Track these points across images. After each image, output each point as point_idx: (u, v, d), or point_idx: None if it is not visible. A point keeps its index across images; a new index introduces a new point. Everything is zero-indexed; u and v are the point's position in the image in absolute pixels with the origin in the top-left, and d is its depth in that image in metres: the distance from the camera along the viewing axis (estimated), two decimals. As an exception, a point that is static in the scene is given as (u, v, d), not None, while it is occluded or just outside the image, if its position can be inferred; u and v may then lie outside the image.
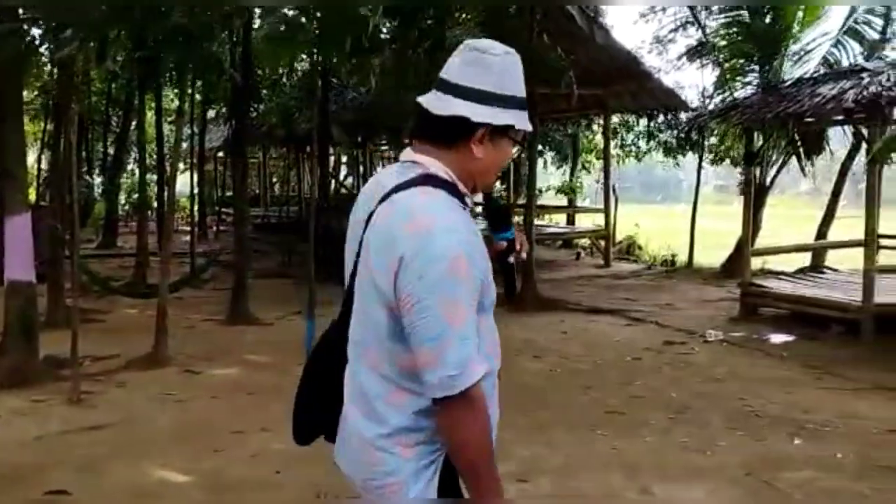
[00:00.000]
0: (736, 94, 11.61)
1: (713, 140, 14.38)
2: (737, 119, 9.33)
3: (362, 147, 17.28)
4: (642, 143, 15.91)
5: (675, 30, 13.57)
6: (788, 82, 9.97)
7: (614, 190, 16.13)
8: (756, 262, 12.66)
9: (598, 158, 16.49)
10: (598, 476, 4.64)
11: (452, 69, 1.76)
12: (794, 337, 8.56)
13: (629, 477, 4.59)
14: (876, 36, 12.01)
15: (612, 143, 16.19)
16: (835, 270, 11.19)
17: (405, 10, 8.11)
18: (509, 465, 4.75)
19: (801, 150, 10.79)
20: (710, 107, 12.44)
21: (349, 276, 1.85)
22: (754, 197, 10.87)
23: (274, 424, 5.47)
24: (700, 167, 14.67)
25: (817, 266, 11.73)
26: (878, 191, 8.74)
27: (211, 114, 19.59)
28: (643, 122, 15.35)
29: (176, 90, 14.90)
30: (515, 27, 9.70)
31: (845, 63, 11.43)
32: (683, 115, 13.50)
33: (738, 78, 11.65)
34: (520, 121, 1.78)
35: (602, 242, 15.29)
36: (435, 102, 1.75)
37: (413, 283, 1.62)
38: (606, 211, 15.15)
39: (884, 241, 10.78)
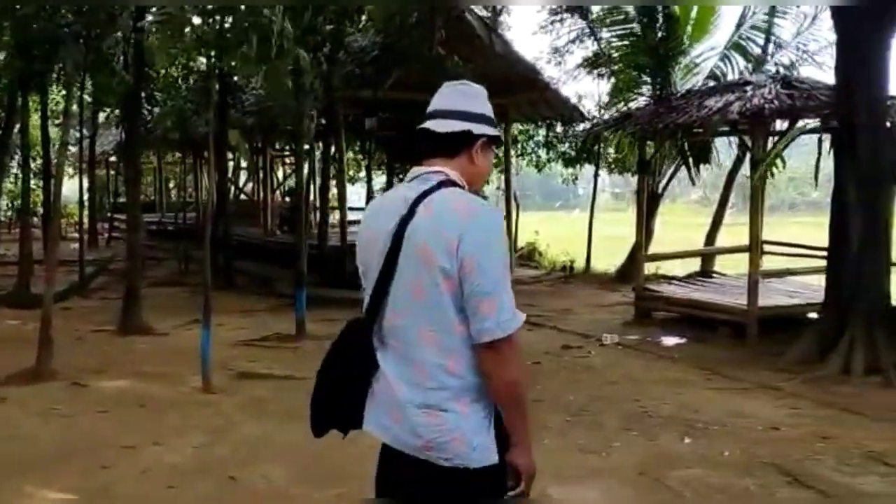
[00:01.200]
0: (630, 105, 11.99)
1: (610, 150, 14.79)
2: (630, 129, 9.64)
3: (262, 152, 16.98)
4: (542, 153, 16.21)
5: (573, 41, 13.91)
6: (678, 94, 10.37)
7: (515, 197, 16.38)
8: (649, 268, 13.10)
9: (498, 169, 16.69)
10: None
11: (446, 101, 2.26)
12: (685, 339, 8.89)
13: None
14: (759, 51, 12.62)
15: (513, 152, 16.44)
16: (723, 275, 11.68)
17: (304, 15, 8.03)
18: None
19: (690, 159, 11.22)
20: (606, 117, 12.80)
21: (376, 279, 2.18)
22: (647, 204, 11.26)
23: (167, 437, 5.30)
24: (597, 176, 15.06)
25: (707, 271, 12.20)
26: (761, 199, 9.18)
27: (102, 117, 18.86)
28: (543, 131, 15.64)
29: (62, 91, 14.28)
30: (416, 35, 9.74)
31: (731, 76, 11.99)
32: (581, 125, 13.84)
33: (632, 89, 12.02)
34: (500, 136, 2.39)
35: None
36: (440, 125, 2.21)
37: (472, 251, 2.03)
38: (508, 218, 15.34)
39: (768, 247, 11.34)
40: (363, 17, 11.10)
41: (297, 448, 5.09)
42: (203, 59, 11.19)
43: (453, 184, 2.19)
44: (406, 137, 16.10)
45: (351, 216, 15.58)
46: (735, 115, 8.24)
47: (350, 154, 20.78)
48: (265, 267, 13.76)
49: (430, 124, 2.24)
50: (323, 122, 12.02)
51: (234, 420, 5.78)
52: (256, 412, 5.97)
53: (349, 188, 23.45)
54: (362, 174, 20.45)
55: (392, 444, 2.18)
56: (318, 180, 13.79)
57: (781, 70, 11.42)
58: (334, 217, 14.03)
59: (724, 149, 12.29)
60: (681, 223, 21.75)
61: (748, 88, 8.53)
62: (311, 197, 14.45)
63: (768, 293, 9.25)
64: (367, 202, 13.20)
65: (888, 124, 7.79)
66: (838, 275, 7.63)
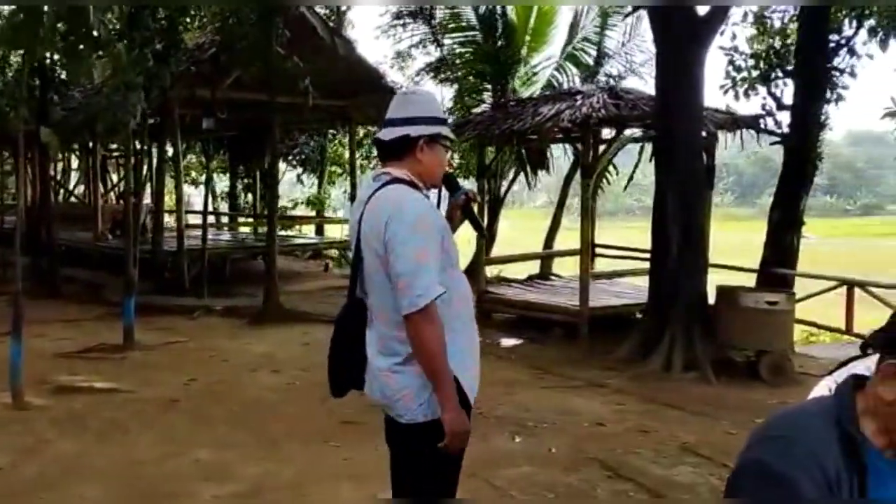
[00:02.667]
0: (473, 111, 12.20)
1: (454, 155, 15.00)
2: (468, 134, 9.81)
3: (92, 152, 16.02)
4: (386, 157, 16.18)
5: (415, 46, 14.01)
6: (515, 101, 10.66)
7: (361, 201, 16.29)
8: (493, 271, 13.39)
9: (342, 171, 16.57)
10: (328, 488, 4.61)
11: (391, 110, 2.63)
12: (521, 340, 9.12)
13: (360, 487, 4.60)
14: (591, 62, 13.20)
15: (359, 156, 16.34)
16: (559, 277, 12.09)
17: (131, 9, 7.64)
18: (235, 486, 4.60)
19: (528, 165, 11.55)
20: (448, 122, 12.95)
21: (353, 263, 2.67)
22: (489, 209, 11.50)
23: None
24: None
25: (545, 273, 12.58)
26: (593, 204, 9.57)
27: None
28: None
29: None
30: (255, 34, 9.49)
31: (566, 86, 12.46)
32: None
33: (473, 95, 12.25)
34: (444, 131, 2.65)
35: (350, 253, 15.36)
36: (385, 133, 2.61)
37: (391, 237, 2.42)
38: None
39: (600, 250, 11.86)
40: (198, 15, 10.69)
41: (117, 466, 4.82)
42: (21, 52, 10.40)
43: (400, 181, 2.56)
44: (246, 137, 15.72)
45: (193, 219, 14.99)
46: (566, 123, 8.56)
47: (192, 156, 20.01)
48: (95, 273, 12.98)
49: (380, 134, 2.66)
50: (157, 121, 11.50)
51: (46, 438, 5.38)
52: (73, 429, 5.59)
53: (194, 191, 22.62)
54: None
55: (376, 402, 2.65)
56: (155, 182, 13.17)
57: (610, 81, 11.99)
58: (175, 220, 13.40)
59: (562, 155, 12.77)
60: (527, 227, 22.40)
61: (578, 97, 8.88)
62: (148, 200, 13.77)
63: (600, 294, 9.65)
64: (205, 205, 12.70)
65: (704, 134, 8.31)
66: (660, 276, 8.06)
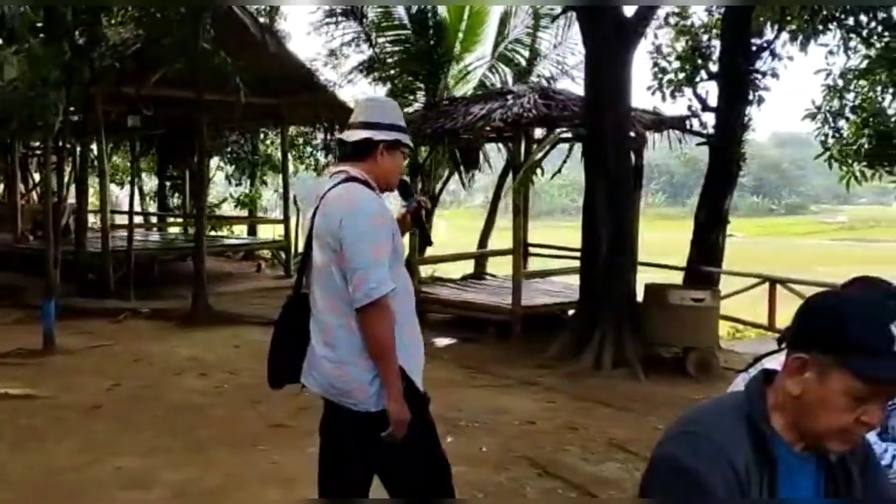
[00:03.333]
0: (406, 110, 12.15)
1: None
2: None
3: (10, 150, 15.44)
4: (321, 156, 16.04)
5: (348, 44, 13.88)
6: (447, 101, 10.67)
7: (295, 201, 16.10)
8: (428, 270, 13.37)
9: (275, 171, 16.29)
10: (256, 492, 4.52)
11: (356, 114, 2.82)
12: (455, 340, 9.12)
13: (287, 491, 4.52)
14: (523, 63, 13.30)
15: (291, 156, 16.13)
16: (494, 277, 12.14)
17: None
18: (157, 493, 4.47)
19: (461, 164, 11.57)
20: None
21: (303, 256, 2.83)
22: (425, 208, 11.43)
23: None
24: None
25: (480, 273, 12.62)
26: (524, 203, 9.62)
27: None
28: (321, 135, 15.49)
29: None
30: (180, 30, 9.26)
31: (499, 86, 12.51)
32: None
33: (406, 94, 12.20)
34: (404, 138, 2.81)
35: (283, 254, 15.18)
36: (349, 135, 2.77)
37: (348, 234, 2.58)
38: (286, 222, 15.06)
39: (534, 249, 11.94)
40: (122, 9, 10.39)
41: (33, 474, 4.64)
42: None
43: (355, 180, 2.69)
44: (175, 136, 15.36)
45: (120, 220, 14.58)
46: (498, 122, 8.60)
47: (118, 156, 19.46)
48: (14, 276, 12.52)
49: (343, 134, 2.84)
50: (80, 118, 11.13)
51: (-45, 449, 5.15)
52: (-16, 438, 5.37)
53: (120, 191, 21.97)
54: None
55: (321, 393, 2.77)
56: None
57: (542, 81, 12.09)
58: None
59: (496, 155, 12.81)
60: (465, 227, 22.46)
61: (510, 97, 8.94)
62: (72, 199, 13.33)
63: (533, 293, 9.73)
64: (131, 204, 12.35)
65: (632, 134, 8.44)
66: (590, 275, 8.16)
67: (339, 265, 2.61)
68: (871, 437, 2.38)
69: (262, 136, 17.08)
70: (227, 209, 18.66)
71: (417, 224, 2.98)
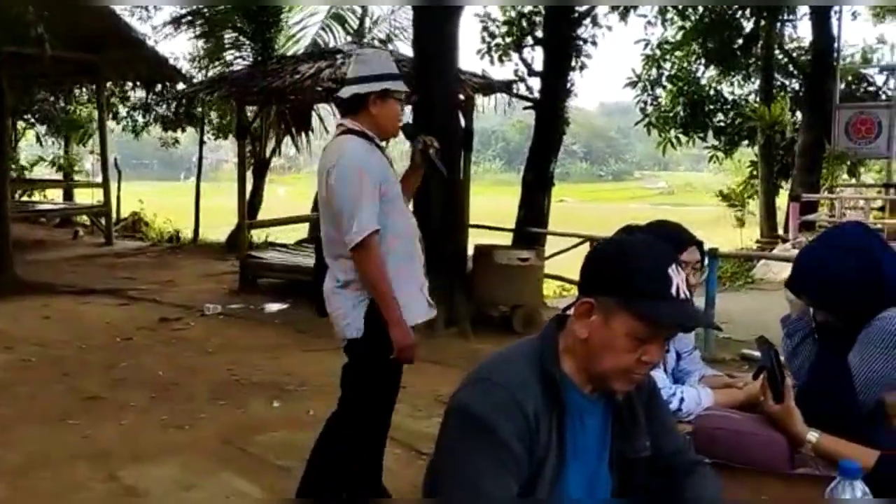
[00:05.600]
0: (233, 68, 11.69)
1: (213, 114, 14.31)
2: (224, 92, 9.37)
3: None
4: (139, 116, 15.14)
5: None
6: (276, 59, 10.34)
7: (116, 164, 15.19)
8: (260, 235, 13.04)
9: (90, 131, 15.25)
10: (63, 470, 4.24)
11: (348, 71, 3.11)
12: (287, 305, 8.95)
13: (98, 465, 4.28)
14: (357, 24, 13.10)
15: (108, 115, 15.15)
16: (327, 240, 11.99)
17: None
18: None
19: (293, 127, 11.29)
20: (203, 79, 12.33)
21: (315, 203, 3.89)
22: (256, 171, 11.12)
23: None
24: (202, 141, 14.51)
25: (314, 237, 12.41)
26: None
27: None
28: (141, 93, 14.62)
29: None
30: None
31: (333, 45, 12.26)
32: (180, 86, 13.16)
33: (233, 51, 11.73)
34: (393, 86, 3.03)
35: (103, 220, 14.30)
36: (343, 92, 3.04)
37: (333, 180, 2.92)
38: (106, 186, 14.16)
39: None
40: None
41: None
42: None
43: (352, 132, 2.98)
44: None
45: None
46: (327, 83, 8.42)
47: None
48: None
49: (340, 92, 3.11)
50: None
51: None
52: None
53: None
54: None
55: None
56: None
57: (377, 43, 11.97)
58: None
59: (330, 117, 12.60)
60: (306, 193, 22.04)
61: (339, 57, 8.76)
62: None
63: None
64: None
65: (462, 97, 8.52)
66: (422, 236, 8.19)
67: (331, 210, 2.96)
68: (664, 379, 2.52)
69: (76, 93, 15.90)
70: (44, 172, 17.35)
71: (428, 162, 3.20)
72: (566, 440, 1.64)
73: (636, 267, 1.57)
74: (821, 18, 13.96)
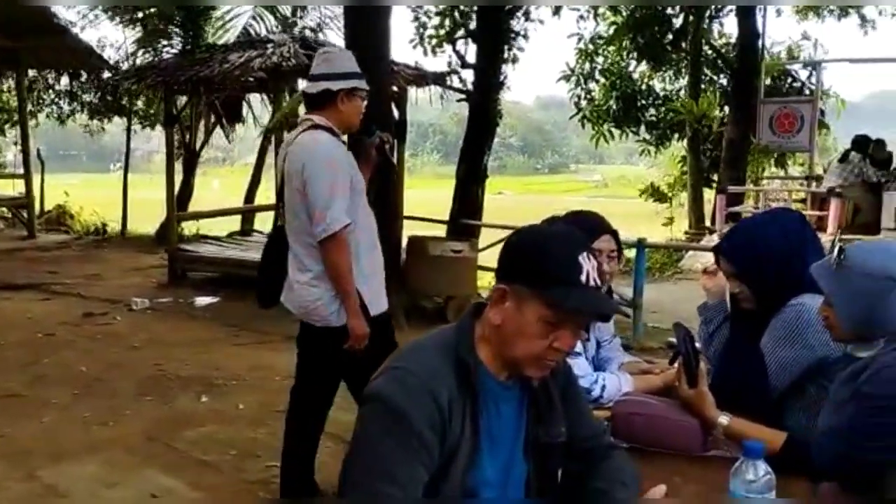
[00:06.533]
0: (163, 57, 11.41)
1: (139, 103, 13.92)
2: (151, 81, 9.15)
3: None
4: (64, 104, 14.64)
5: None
6: (205, 48, 10.13)
7: (39, 155, 14.68)
8: (193, 228, 12.78)
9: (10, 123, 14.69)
10: (-25, 472, 4.09)
11: (316, 67, 3.18)
12: (218, 298, 8.80)
13: (16, 465, 4.16)
14: (289, 12, 12.92)
15: (30, 104, 14.60)
16: (261, 233, 11.84)
17: None
18: None
19: (222, 116, 11.08)
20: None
21: (278, 193, 3.27)
22: (187, 162, 10.89)
23: None
24: (129, 130, 14.12)
25: (247, 230, 12.26)
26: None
27: None
28: (65, 81, 14.13)
29: None
30: None
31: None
32: (107, 75, 12.78)
33: (162, 40, 11.44)
34: (360, 84, 3.17)
35: (24, 212, 13.81)
36: (310, 87, 3.17)
37: (307, 175, 3.00)
38: (27, 178, 13.65)
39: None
40: None
41: None
42: None
43: (319, 127, 3.09)
44: None
45: None
46: (257, 72, 8.29)
47: None
48: None
49: (304, 87, 3.31)
50: None
51: None
52: None
53: None
54: None
55: (293, 311, 3.23)
56: None
57: (308, 32, 11.83)
58: None
59: (262, 107, 12.41)
60: (240, 185, 21.68)
61: (269, 46, 8.63)
62: None
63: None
64: None
65: (394, 88, 8.47)
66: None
67: (303, 202, 3.03)
68: (586, 367, 2.56)
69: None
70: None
71: (381, 155, 3.44)
72: (480, 427, 1.65)
73: (547, 254, 1.58)
74: (745, 15, 14.31)
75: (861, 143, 11.48)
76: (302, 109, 10.15)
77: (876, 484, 1.99)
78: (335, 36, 12.77)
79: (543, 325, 1.59)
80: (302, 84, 9.53)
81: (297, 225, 3.13)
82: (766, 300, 2.33)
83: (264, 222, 12.93)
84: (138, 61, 12.22)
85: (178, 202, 11.30)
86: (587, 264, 1.58)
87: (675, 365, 2.31)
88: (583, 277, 1.57)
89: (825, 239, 7.61)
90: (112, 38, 13.31)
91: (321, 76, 3.13)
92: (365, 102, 3.31)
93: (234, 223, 12.87)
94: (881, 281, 1.92)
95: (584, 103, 17.00)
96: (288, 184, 3.12)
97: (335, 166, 3.03)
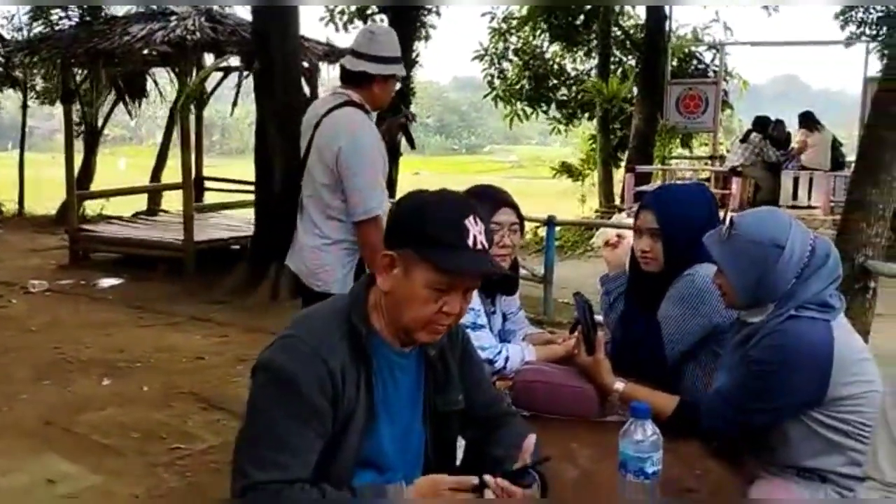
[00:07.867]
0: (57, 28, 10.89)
1: (40, 80, 13.26)
2: (46, 53, 8.71)
3: None
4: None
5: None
6: (104, 19, 9.71)
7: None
8: (95, 208, 12.33)
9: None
10: None
11: (359, 44, 3.16)
12: (122, 280, 8.54)
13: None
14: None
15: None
16: (166, 212, 11.52)
17: None
18: None
19: (124, 92, 10.66)
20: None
21: (301, 160, 3.25)
22: (87, 140, 10.45)
23: None
24: (25, 107, 13.46)
25: (153, 209, 11.91)
26: (191, 134, 9.09)
27: None
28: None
29: None
30: None
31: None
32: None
33: (59, 10, 10.91)
34: (398, 71, 3.22)
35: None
36: (350, 62, 3.15)
37: (346, 157, 3.04)
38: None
39: (210, 184, 11.46)
40: None
41: None
42: None
43: (354, 104, 3.11)
44: None
45: None
46: (160, 45, 7.99)
47: None
48: None
49: (344, 61, 3.22)
50: None
51: None
52: None
53: None
54: None
55: (296, 273, 3.28)
56: None
57: (216, 7, 11.45)
58: None
59: (169, 83, 11.98)
60: (147, 165, 20.99)
61: (173, 18, 8.33)
62: None
63: (208, 229, 9.39)
64: None
65: (305, 64, 8.32)
66: (265, 207, 7.99)
67: (331, 179, 3.06)
68: (491, 338, 2.57)
69: None
70: None
71: (405, 132, 3.64)
72: (376, 395, 1.64)
73: (431, 218, 1.57)
74: (654, -3, 14.58)
75: (762, 124, 11.90)
76: (209, 86, 9.83)
77: (762, 444, 2.08)
78: (244, 11, 12.43)
79: (431, 289, 1.58)
80: (209, 58, 9.29)
81: (320, 196, 3.14)
82: (672, 261, 2.38)
83: (171, 202, 12.56)
84: (33, 33, 11.62)
85: (79, 182, 10.85)
86: (474, 228, 1.57)
87: (575, 334, 2.35)
88: (469, 241, 1.56)
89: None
90: (4, 10, 12.51)
91: (363, 56, 3.13)
92: (398, 86, 3.41)
93: (141, 203, 12.47)
94: (767, 247, 1.99)
95: (497, 83, 17.06)
96: (316, 155, 3.13)
97: (376, 154, 3.10)
